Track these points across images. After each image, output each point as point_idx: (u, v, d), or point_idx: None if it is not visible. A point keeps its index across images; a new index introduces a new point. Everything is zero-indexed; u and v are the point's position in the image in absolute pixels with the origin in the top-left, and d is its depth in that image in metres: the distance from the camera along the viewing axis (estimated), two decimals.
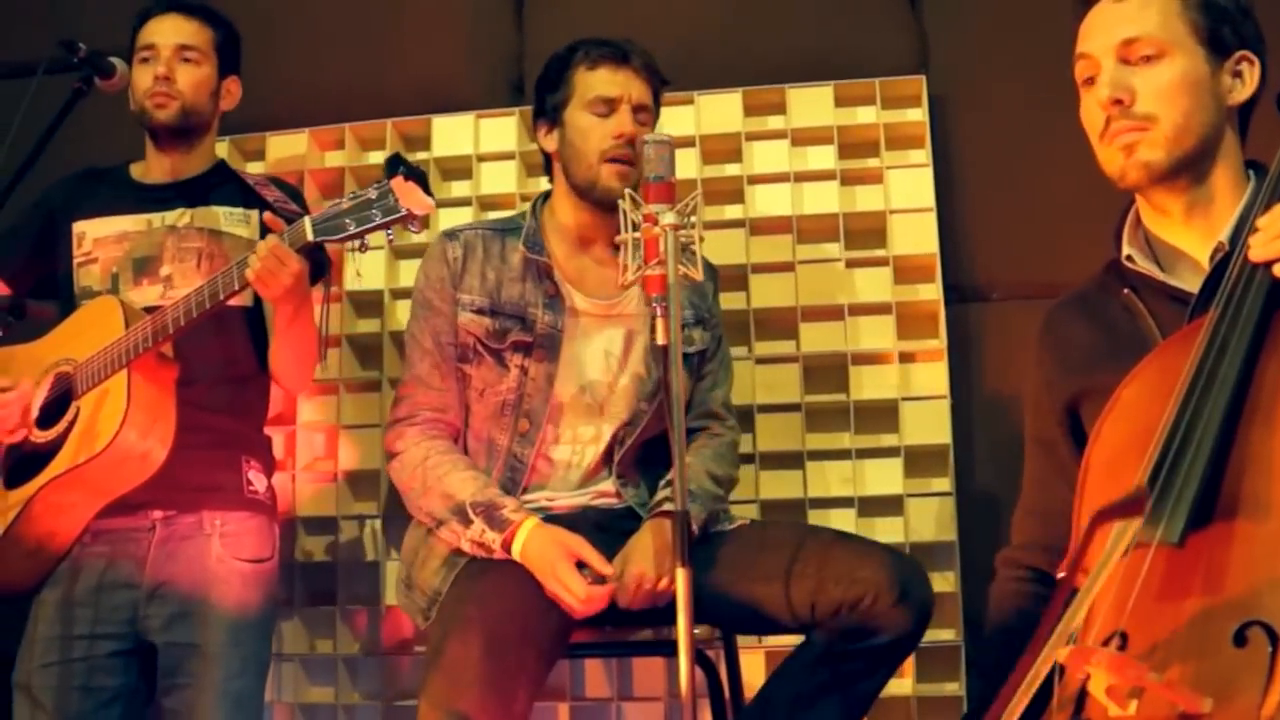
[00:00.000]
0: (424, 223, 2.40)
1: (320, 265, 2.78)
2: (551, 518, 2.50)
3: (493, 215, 3.22)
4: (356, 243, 2.40)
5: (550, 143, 2.73)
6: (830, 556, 2.37)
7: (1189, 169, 1.92)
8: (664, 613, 2.35)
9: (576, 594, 2.31)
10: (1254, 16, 1.97)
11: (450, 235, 2.72)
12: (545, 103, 2.73)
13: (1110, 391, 1.78)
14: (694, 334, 2.73)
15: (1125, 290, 1.97)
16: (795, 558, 2.38)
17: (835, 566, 2.34)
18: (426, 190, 2.37)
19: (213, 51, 2.89)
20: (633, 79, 2.65)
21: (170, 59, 2.82)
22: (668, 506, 2.43)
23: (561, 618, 2.36)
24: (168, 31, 2.84)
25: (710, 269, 2.87)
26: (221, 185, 2.92)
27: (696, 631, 2.11)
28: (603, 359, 2.67)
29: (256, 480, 2.81)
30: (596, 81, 2.64)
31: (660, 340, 2.08)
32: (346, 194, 2.40)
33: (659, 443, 2.56)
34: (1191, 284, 1.86)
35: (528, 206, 2.79)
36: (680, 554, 2.01)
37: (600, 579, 2.35)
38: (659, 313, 2.08)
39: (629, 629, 2.65)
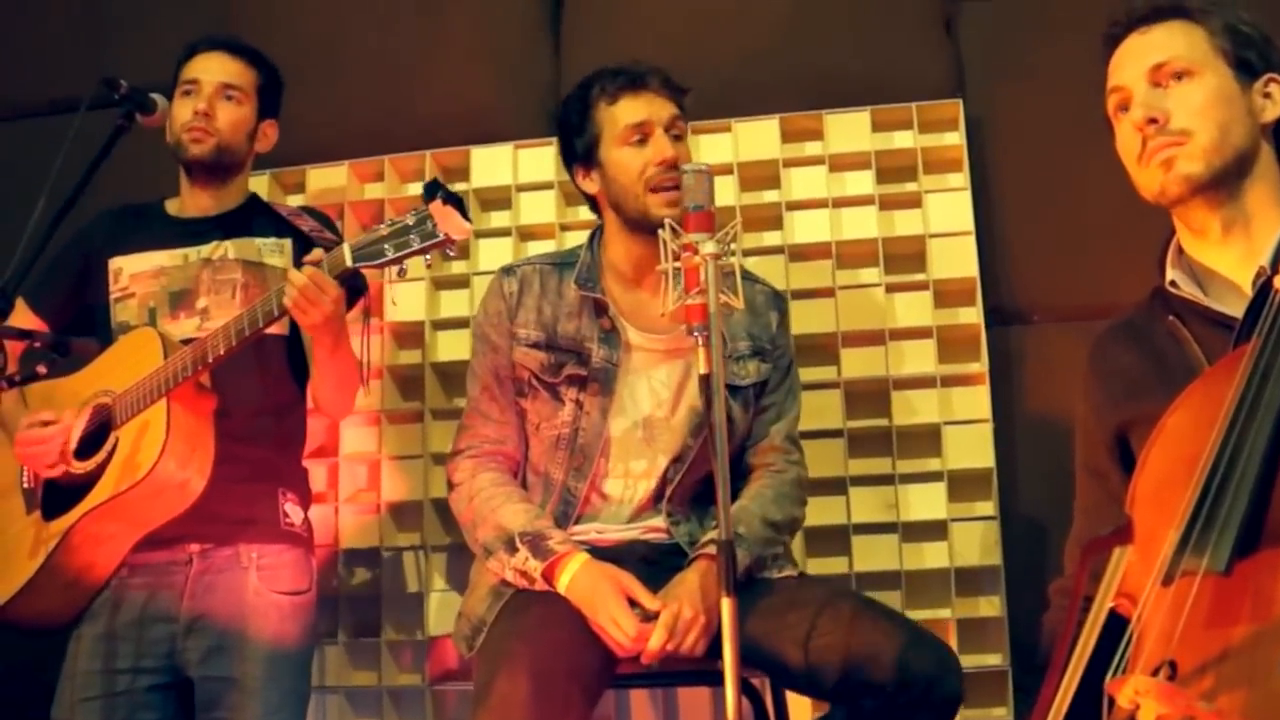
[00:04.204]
0: (462, 248, 2.40)
1: (356, 291, 2.79)
2: (599, 551, 2.49)
3: (559, 247, 3.27)
4: (395, 269, 2.42)
5: (591, 185, 2.71)
6: (856, 631, 2.29)
7: (1227, 182, 1.93)
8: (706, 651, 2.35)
9: (628, 632, 2.30)
10: (1276, 45, 2.01)
11: (508, 271, 2.73)
12: (575, 146, 2.71)
13: (1159, 420, 1.76)
14: (749, 366, 2.70)
15: (1170, 318, 1.97)
16: (821, 627, 2.32)
17: (861, 644, 2.27)
18: (465, 215, 2.38)
19: (254, 93, 2.93)
20: (656, 99, 2.63)
21: (212, 96, 2.85)
22: (711, 550, 2.36)
23: (607, 653, 2.35)
24: (213, 69, 2.88)
25: (777, 297, 2.83)
26: (255, 217, 2.95)
27: None
28: (657, 394, 2.65)
29: (293, 512, 2.82)
30: (621, 113, 2.63)
31: (701, 369, 2.07)
32: (385, 220, 2.42)
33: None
34: (1235, 308, 1.86)
35: (585, 239, 2.78)
36: (726, 584, 1.96)
37: (649, 616, 2.33)
38: (700, 342, 2.06)
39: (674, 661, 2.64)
